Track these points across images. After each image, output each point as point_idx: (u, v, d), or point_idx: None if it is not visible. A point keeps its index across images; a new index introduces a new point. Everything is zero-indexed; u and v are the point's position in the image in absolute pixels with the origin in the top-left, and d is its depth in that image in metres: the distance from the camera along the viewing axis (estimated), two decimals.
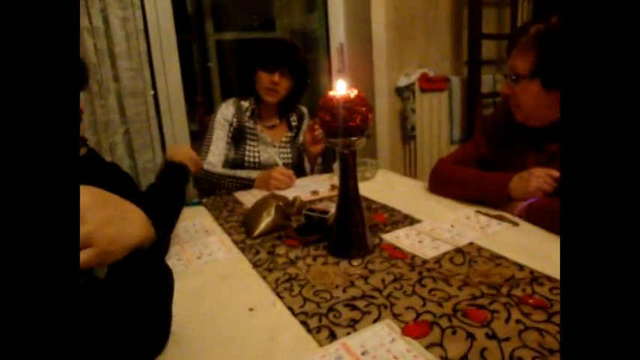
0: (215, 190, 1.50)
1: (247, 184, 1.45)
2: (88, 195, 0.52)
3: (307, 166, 1.66)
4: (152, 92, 1.83)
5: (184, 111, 2.01)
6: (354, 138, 0.84)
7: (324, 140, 0.89)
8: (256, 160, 1.59)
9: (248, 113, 1.60)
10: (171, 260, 0.93)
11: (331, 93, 0.83)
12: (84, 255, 0.50)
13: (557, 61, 0.97)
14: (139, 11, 1.71)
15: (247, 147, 1.60)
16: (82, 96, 1.63)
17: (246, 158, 1.58)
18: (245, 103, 1.61)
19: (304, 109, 1.73)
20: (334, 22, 2.34)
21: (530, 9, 2.49)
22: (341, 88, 0.83)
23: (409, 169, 2.38)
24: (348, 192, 0.88)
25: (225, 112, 1.60)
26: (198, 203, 1.30)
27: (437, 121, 2.32)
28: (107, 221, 0.53)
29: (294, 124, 1.70)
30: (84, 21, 1.63)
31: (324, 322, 0.66)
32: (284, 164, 1.61)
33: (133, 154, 1.79)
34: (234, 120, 1.59)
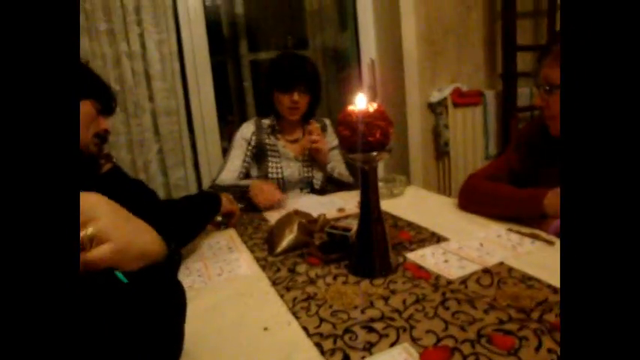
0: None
1: (246, 191, 1.43)
2: (103, 199, 0.52)
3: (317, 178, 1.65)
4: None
5: (217, 129, 2.06)
6: (374, 153, 0.82)
7: (341, 153, 0.87)
8: (279, 175, 1.60)
9: (268, 130, 1.62)
10: (192, 276, 0.93)
11: (350, 107, 0.82)
12: (99, 251, 0.48)
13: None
14: (174, 35, 1.78)
15: (269, 164, 1.61)
16: (119, 116, 1.69)
17: (270, 175, 1.59)
18: (266, 121, 1.63)
19: (327, 121, 1.72)
20: (365, 38, 2.34)
21: None
22: (360, 103, 0.82)
23: (443, 186, 2.32)
24: (369, 209, 0.86)
25: (245, 131, 1.62)
26: (223, 224, 1.29)
27: (471, 137, 2.26)
28: (122, 221, 0.52)
29: None
30: (123, 46, 1.70)
31: (339, 344, 0.64)
32: (306, 177, 1.62)
33: (165, 172, 1.84)
34: (253, 138, 1.61)
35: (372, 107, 0.81)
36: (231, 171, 1.58)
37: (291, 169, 1.62)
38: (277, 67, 1.59)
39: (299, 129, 1.67)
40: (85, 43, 1.60)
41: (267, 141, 1.62)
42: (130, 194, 1.10)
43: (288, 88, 1.55)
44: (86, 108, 0.93)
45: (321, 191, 1.63)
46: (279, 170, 1.61)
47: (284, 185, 1.60)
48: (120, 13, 1.68)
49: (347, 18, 2.54)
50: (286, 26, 3.37)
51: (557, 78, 0.99)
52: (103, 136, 0.98)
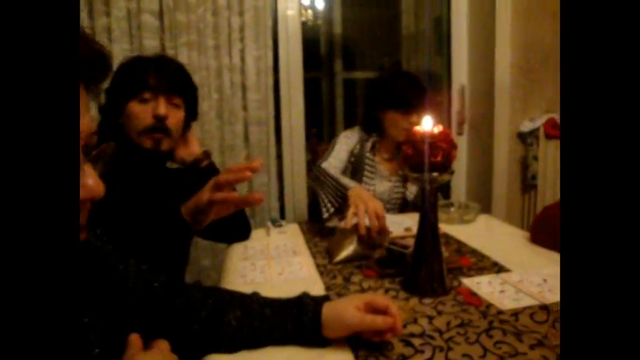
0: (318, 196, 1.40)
1: (337, 194, 1.28)
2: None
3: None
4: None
5: (304, 141, 2.16)
6: (435, 174, 0.83)
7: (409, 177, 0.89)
8: (372, 191, 1.58)
9: (369, 145, 1.62)
10: (256, 271, 1.01)
11: (417, 128, 0.85)
12: None
13: None
14: (271, 51, 1.92)
15: (364, 179, 1.60)
16: (214, 123, 1.87)
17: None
18: (367, 136, 1.64)
19: None
20: (457, 63, 2.32)
21: None
22: (427, 124, 0.84)
23: (527, 221, 2.19)
24: (426, 228, 0.87)
25: (350, 135, 1.64)
26: (276, 221, 1.36)
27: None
28: None
29: None
30: (226, 60, 1.88)
31: (375, 354, 0.66)
32: (395, 198, 1.61)
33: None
34: (357, 146, 1.61)
35: (438, 129, 0.83)
36: (337, 160, 1.55)
37: (383, 188, 1.61)
38: (395, 87, 1.56)
39: (395, 150, 1.64)
40: (194, 57, 1.80)
41: (367, 154, 1.61)
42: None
43: (409, 109, 1.52)
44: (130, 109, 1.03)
45: (414, 206, 1.59)
46: (373, 187, 1.60)
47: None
48: (226, 30, 1.86)
49: (442, 43, 2.53)
50: (382, 48, 3.44)
51: None
52: (155, 125, 1.04)
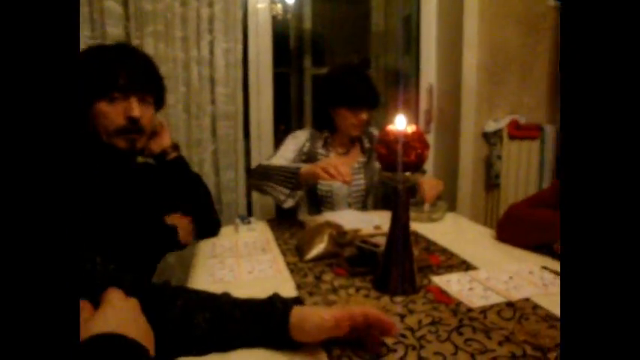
0: (263, 191, 1.44)
1: (289, 178, 1.33)
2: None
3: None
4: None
5: (272, 137, 2.14)
6: (408, 173, 0.84)
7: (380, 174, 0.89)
8: (329, 187, 1.60)
9: (321, 142, 1.63)
10: (225, 270, 0.99)
11: (389, 127, 0.85)
12: None
13: None
14: (240, 45, 1.88)
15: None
16: (181, 116, 1.82)
17: (319, 186, 1.60)
18: (319, 133, 1.64)
19: (375, 131, 1.71)
20: (425, 64, 2.35)
21: None
22: (400, 123, 0.84)
23: (490, 219, 2.26)
24: (398, 227, 0.88)
25: (299, 134, 1.64)
26: (245, 218, 1.34)
27: (525, 171, 2.19)
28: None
29: (367, 146, 1.68)
30: (194, 52, 1.83)
31: (347, 351, 0.66)
32: (355, 191, 1.62)
33: (218, 172, 1.94)
34: (307, 145, 1.62)
35: (411, 129, 0.83)
36: (282, 159, 1.54)
37: (340, 183, 1.63)
38: (347, 85, 1.57)
39: (349, 143, 1.68)
40: (161, 48, 1.74)
41: (319, 151, 1.62)
42: (187, 185, 1.20)
43: (359, 106, 1.54)
44: (98, 108, 0.98)
45: (376, 196, 1.62)
46: (329, 182, 1.58)
47: (332, 199, 1.62)
48: (195, 21, 1.81)
49: (410, 42, 2.56)
50: (351, 44, 3.45)
51: None
52: (129, 126, 1.00)
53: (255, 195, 2.11)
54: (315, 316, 0.64)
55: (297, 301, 0.71)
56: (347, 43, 3.48)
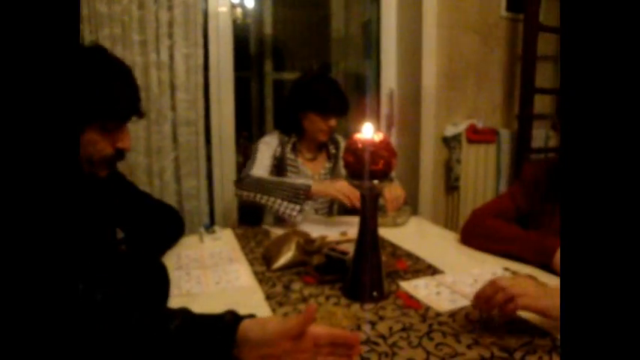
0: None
1: (299, 195, 1.36)
2: None
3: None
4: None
5: (233, 143, 2.11)
6: (376, 181, 0.84)
7: (347, 180, 0.90)
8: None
9: (290, 146, 1.63)
10: (191, 282, 0.96)
11: (357, 135, 0.85)
12: None
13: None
14: (201, 49, 1.85)
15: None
16: (141, 123, 1.76)
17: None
18: (287, 138, 1.64)
19: (340, 138, 1.73)
20: (386, 69, 2.40)
21: None
22: (367, 132, 0.85)
23: (450, 221, 2.32)
24: (366, 235, 0.88)
25: (270, 140, 1.63)
26: (209, 227, 1.32)
27: (483, 174, 2.27)
28: None
29: (332, 152, 1.70)
30: (153, 57, 1.78)
31: None
32: (322, 197, 1.62)
33: (179, 180, 1.89)
34: (278, 149, 1.61)
35: (378, 137, 0.84)
36: (262, 167, 1.54)
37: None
38: (317, 91, 1.59)
39: (316, 148, 1.69)
40: (118, 51, 1.68)
41: (288, 156, 1.62)
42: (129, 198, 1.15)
43: (328, 113, 1.56)
44: (88, 136, 0.86)
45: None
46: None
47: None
48: (154, 25, 1.76)
49: (371, 47, 2.60)
50: (312, 49, 3.47)
51: None
52: (115, 156, 0.92)
53: (218, 203, 2.08)
54: (274, 322, 0.61)
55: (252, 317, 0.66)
56: (307, 47, 3.49)
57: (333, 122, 1.58)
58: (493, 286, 0.71)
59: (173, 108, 1.84)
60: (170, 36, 1.79)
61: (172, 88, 1.83)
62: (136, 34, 1.74)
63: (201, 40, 1.84)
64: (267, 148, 1.61)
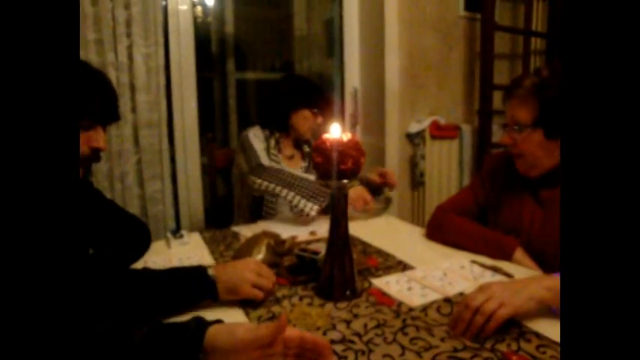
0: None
1: (320, 194, 1.37)
2: None
3: None
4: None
5: (198, 144, 2.07)
6: (345, 181, 0.85)
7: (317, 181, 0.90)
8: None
9: (273, 142, 1.65)
10: None
11: (325, 136, 0.85)
12: None
13: (559, 111, 0.98)
14: (162, 49, 1.80)
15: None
16: None
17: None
18: (269, 133, 1.66)
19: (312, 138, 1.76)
20: (349, 67, 2.41)
21: (543, 61, 2.53)
22: (335, 132, 0.85)
23: (417, 216, 2.37)
24: (338, 234, 0.88)
25: (256, 133, 1.64)
26: (177, 232, 1.29)
27: (446, 169, 2.33)
28: None
29: (306, 150, 1.74)
30: (110, 56, 1.71)
31: None
32: None
33: (142, 184, 1.83)
34: (264, 144, 1.63)
35: (346, 137, 0.84)
36: (265, 158, 1.55)
37: None
38: (309, 90, 1.68)
39: (294, 146, 1.74)
40: None
41: (272, 151, 1.63)
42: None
43: (320, 110, 1.66)
44: None
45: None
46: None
47: (275, 204, 1.61)
48: (110, 24, 1.69)
49: (334, 45, 2.61)
50: (274, 48, 3.44)
51: (525, 119, 1.03)
52: (91, 157, 0.92)
53: (184, 206, 2.03)
54: (243, 329, 0.59)
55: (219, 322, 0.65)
56: (270, 46, 3.46)
57: (320, 119, 1.67)
58: (469, 309, 0.72)
59: (134, 110, 1.79)
60: (128, 35, 1.73)
61: (132, 89, 1.77)
62: (90, 32, 1.67)
63: (161, 40, 1.79)
64: (258, 141, 1.62)
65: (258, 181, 1.46)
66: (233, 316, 0.81)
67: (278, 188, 1.43)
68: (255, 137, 1.62)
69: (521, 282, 0.78)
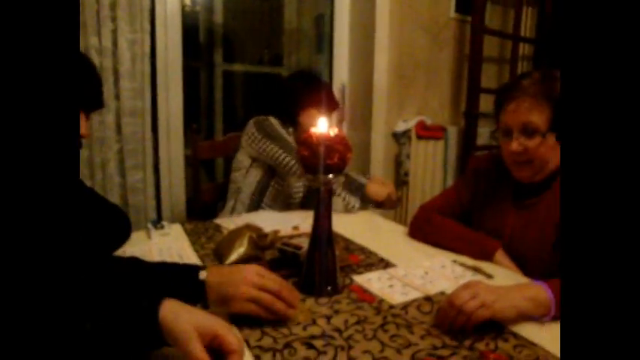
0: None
1: (358, 189, 1.50)
2: None
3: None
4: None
5: (182, 135, 2.04)
6: (330, 176, 0.84)
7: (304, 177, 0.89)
8: (303, 190, 1.61)
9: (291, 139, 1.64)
10: None
11: (312, 130, 0.85)
12: None
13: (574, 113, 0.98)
14: (148, 36, 1.76)
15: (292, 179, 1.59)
16: None
17: (295, 189, 1.60)
18: (286, 128, 1.65)
19: None
20: (338, 63, 2.41)
21: (530, 67, 2.56)
22: (322, 126, 0.85)
23: (400, 214, 2.38)
24: (321, 229, 0.88)
25: (277, 123, 1.63)
26: (157, 223, 1.27)
27: (431, 169, 2.34)
28: None
29: None
30: (93, 40, 1.67)
31: (278, 357, 0.65)
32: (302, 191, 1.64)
33: (124, 173, 1.80)
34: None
35: (333, 132, 0.84)
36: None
37: (294, 180, 1.62)
38: (321, 88, 1.72)
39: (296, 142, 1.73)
40: None
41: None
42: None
43: (328, 109, 1.69)
44: None
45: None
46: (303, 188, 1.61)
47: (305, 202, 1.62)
48: (94, 6, 1.65)
49: (323, 41, 2.60)
50: (263, 41, 3.41)
51: (541, 123, 0.98)
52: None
53: (166, 197, 2.00)
54: (189, 323, 0.55)
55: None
56: (258, 38, 3.43)
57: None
58: (453, 307, 0.73)
59: (117, 97, 1.75)
60: (113, 19, 1.69)
61: (116, 75, 1.73)
62: None
63: (147, 26, 1.75)
64: (283, 130, 1.62)
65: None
66: (214, 310, 0.79)
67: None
68: (281, 127, 1.62)
69: (505, 289, 0.78)
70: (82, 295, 0.65)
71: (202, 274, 0.73)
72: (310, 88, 1.71)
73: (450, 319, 0.73)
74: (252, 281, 0.73)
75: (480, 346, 0.69)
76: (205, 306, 0.73)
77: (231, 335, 0.56)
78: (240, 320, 0.74)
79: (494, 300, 0.73)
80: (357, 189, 1.49)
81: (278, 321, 0.74)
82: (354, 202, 1.47)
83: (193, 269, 0.76)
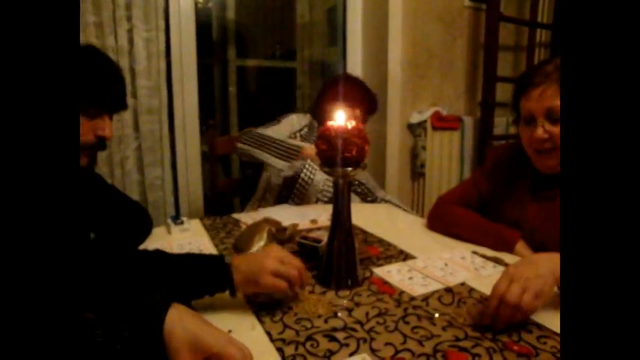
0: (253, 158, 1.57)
1: (291, 153, 1.50)
2: None
3: None
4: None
5: (198, 131, 2.06)
6: (349, 169, 0.84)
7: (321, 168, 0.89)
8: (312, 175, 1.58)
9: (306, 129, 1.66)
10: None
11: (330, 123, 0.85)
12: None
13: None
14: (163, 34, 1.78)
15: (307, 163, 1.58)
16: None
17: (304, 172, 1.57)
18: (317, 125, 1.67)
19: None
20: (352, 56, 2.39)
21: (548, 54, 2.51)
22: (340, 119, 0.84)
23: (416, 206, 2.37)
24: (340, 222, 0.88)
25: (295, 121, 1.67)
26: (177, 219, 1.29)
27: (447, 160, 2.32)
28: None
29: None
30: (110, 40, 1.70)
31: (300, 350, 0.65)
32: (327, 191, 1.62)
33: (142, 170, 1.83)
34: (305, 129, 1.65)
35: (351, 124, 0.84)
36: (277, 134, 1.59)
37: (320, 176, 1.60)
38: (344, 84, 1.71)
39: None
40: None
41: (313, 139, 1.62)
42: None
43: (352, 106, 1.67)
44: None
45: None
46: (314, 171, 1.57)
47: (307, 188, 1.60)
48: (110, 7, 1.67)
49: (336, 34, 2.59)
50: (276, 36, 3.41)
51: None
52: (96, 144, 0.92)
53: (183, 193, 2.03)
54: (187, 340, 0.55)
55: None
56: (271, 33, 3.43)
57: (357, 113, 1.67)
58: (507, 306, 0.69)
59: (134, 95, 1.77)
60: (129, 19, 1.72)
61: (133, 74, 1.76)
62: (90, 15, 1.65)
63: (162, 24, 1.77)
64: (288, 127, 1.64)
65: (239, 146, 1.56)
66: (234, 306, 0.80)
67: (254, 151, 1.52)
68: (288, 124, 1.64)
69: (538, 264, 0.74)
70: (92, 299, 0.66)
71: (227, 259, 0.78)
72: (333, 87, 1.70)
73: (506, 319, 0.69)
74: (277, 256, 0.78)
75: (503, 337, 0.69)
76: (232, 290, 0.75)
77: (230, 348, 0.55)
78: (262, 313, 0.75)
79: (542, 283, 0.70)
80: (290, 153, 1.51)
81: (300, 315, 0.74)
82: (281, 167, 1.49)
83: (218, 256, 0.80)
